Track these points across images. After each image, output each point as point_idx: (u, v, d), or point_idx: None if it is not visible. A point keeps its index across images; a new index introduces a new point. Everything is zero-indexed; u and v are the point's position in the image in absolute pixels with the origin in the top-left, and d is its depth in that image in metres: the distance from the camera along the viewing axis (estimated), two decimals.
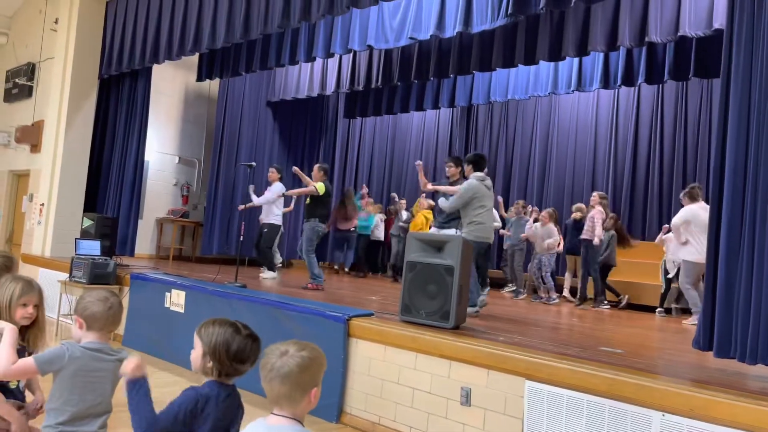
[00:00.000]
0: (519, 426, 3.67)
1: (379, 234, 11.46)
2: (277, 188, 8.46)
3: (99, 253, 7.28)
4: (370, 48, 8.14)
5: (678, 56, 7.75)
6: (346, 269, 11.83)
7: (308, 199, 7.50)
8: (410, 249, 4.77)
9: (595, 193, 8.59)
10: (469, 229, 5.55)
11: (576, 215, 8.74)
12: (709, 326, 3.59)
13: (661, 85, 9.89)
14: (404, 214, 10.99)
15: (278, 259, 9.17)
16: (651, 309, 8.21)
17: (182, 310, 6.16)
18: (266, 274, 8.40)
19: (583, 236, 8.13)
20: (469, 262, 4.80)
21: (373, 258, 12.00)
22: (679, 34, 6.61)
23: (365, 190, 11.76)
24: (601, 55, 8.26)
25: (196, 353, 1.99)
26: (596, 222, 8.03)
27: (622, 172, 10.65)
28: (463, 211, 5.63)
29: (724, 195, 3.60)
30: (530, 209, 9.76)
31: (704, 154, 9.76)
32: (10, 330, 2.22)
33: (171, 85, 10.98)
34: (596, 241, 7.96)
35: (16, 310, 2.42)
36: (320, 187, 7.35)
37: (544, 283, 8.80)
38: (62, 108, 9.03)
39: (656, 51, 7.93)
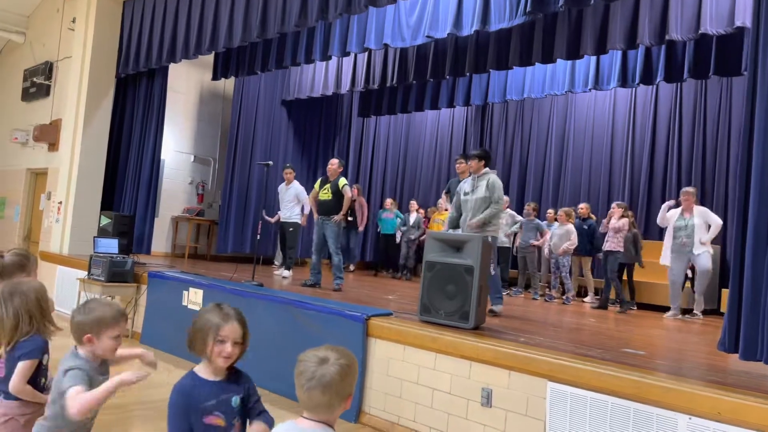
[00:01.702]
0: (541, 428, 3.64)
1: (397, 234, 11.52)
2: (301, 189, 8.60)
3: (117, 251, 7.33)
4: (386, 46, 8.12)
5: (698, 54, 7.65)
6: (351, 267, 11.76)
7: (329, 194, 7.15)
8: (429, 249, 4.74)
9: (615, 204, 8.33)
10: (490, 230, 5.52)
11: (582, 211, 8.91)
12: (735, 328, 3.53)
13: (679, 84, 9.78)
14: (412, 218, 11.01)
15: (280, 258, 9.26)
16: (663, 309, 8.18)
17: (200, 309, 6.18)
18: (285, 273, 8.46)
19: (607, 248, 8.01)
20: (488, 262, 4.77)
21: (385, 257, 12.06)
22: (700, 31, 6.52)
23: (389, 202, 11.70)
24: (619, 53, 8.18)
25: None
26: (620, 228, 7.97)
27: (639, 172, 10.54)
28: (482, 207, 5.59)
29: (751, 194, 3.54)
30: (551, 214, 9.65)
31: (723, 153, 9.63)
32: (117, 380, 2.13)
33: (186, 83, 11.03)
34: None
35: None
36: (345, 185, 7.20)
37: (562, 284, 8.75)
38: (80, 107, 9.10)
39: (676, 49, 7.83)
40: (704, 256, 7.19)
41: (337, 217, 7.06)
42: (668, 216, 7.61)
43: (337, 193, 7.16)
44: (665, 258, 7.60)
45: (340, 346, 1.79)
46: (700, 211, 7.33)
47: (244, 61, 9.51)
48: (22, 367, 2.35)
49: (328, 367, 1.65)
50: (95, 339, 2.23)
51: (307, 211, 8.82)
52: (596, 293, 8.84)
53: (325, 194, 7.22)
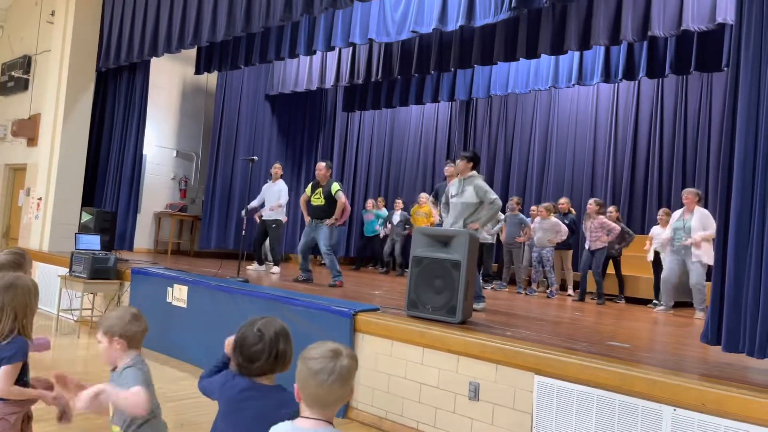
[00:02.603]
0: (528, 421, 3.68)
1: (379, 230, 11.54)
2: (284, 187, 8.59)
3: (99, 248, 7.23)
4: (371, 41, 8.10)
5: (679, 50, 7.76)
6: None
7: (321, 199, 7.24)
8: (417, 244, 4.75)
9: (593, 201, 8.34)
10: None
11: (562, 206, 9.01)
12: (718, 321, 3.59)
13: (661, 79, 9.89)
14: (397, 216, 11.02)
15: (269, 255, 9.22)
16: (645, 302, 8.31)
17: (185, 305, 6.13)
18: (275, 269, 8.45)
19: (595, 247, 8.08)
20: (475, 257, 4.79)
21: (369, 252, 12.10)
22: (682, 28, 6.60)
23: (370, 203, 11.72)
24: (603, 48, 8.24)
25: None
26: (612, 228, 8.05)
27: (622, 166, 10.66)
28: (467, 211, 5.58)
29: (733, 189, 3.60)
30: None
31: (704, 148, 9.78)
32: (111, 387, 2.16)
33: (168, 78, 10.90)
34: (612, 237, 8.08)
35: None
36: (338, 190, 7.23)
37: (545, 278, 8.83)
38: (59, 101, 8.95)
39: (658, 45, 7.92)
40: (696, 268, 6.82)
41: (329, 221, 7.14)
42: (672, 217, 7.56)
43: (330, 198, 7.20)
44: (652, 254, 7.65)
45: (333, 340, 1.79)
46: (700, 214, 6.99)
47: (228, 55, 9.43)
48: (7, 371, 2.30)
49: (343, 359, 1.66)
50: (121, 345, 2.23)
51: (282, 202, 8.68)
52: (575, 287, 8.94)
53: (317, 199, 7.28)
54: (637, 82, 10.12)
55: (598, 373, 3.40)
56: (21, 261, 2.92)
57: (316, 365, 1.63)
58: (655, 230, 8.26)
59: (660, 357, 4.07)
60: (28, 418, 2.43)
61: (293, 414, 1.83)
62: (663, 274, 7.42)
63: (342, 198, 7.23)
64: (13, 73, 10.42)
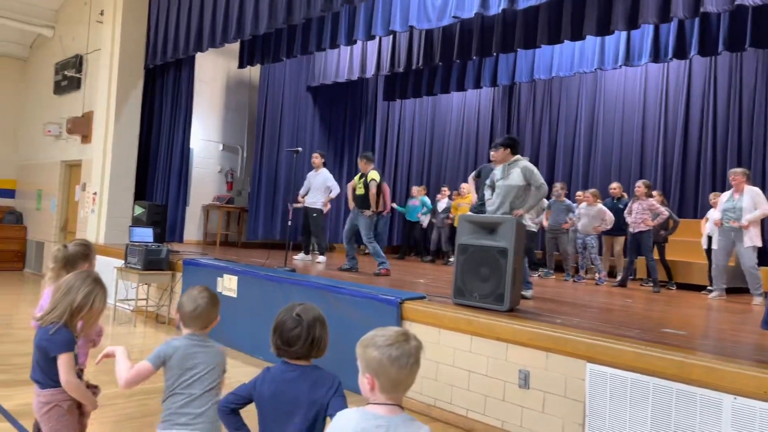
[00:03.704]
0: (580, 409, 3.63)
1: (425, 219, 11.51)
2: (329, 176, 8.70)
3: (152, 240, 7.46)
4: (412, 29, 8.04)
5: (733, 26, 7.43)
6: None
7: (361, 188, 7.44)
8: (462, 232, 4.72)
9: (641, 183, 8.11)
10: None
11: (615, 191, 8.79)
12: None
13: (714, 57, 9.51)
14: (443, 204, 10.96)
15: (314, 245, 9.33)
16: (700, 288, 8.06)
17: (235, 295, 6.28)
18: (320, 258, 8.56)
19: (638, 229, 7.85)
20: (522, 244, 4.73)
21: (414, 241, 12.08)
22: (736, 3, 6.29)
23: (415, 190, 11.72)
24: (651, 27, 7.97)
25: None
26: (660, 212, 7.84)
27: (673, 149, 10.31)
28: (512, 193, 5.51)
29: None
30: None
31: (760, 128, 9.36)
32: (122, 348, 2.38)
33: (213, 72, 11.10)
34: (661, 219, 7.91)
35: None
36: (371, 180, 7.40)
37: (592, 264, 8.66)
38: (110, 98, 9.23)
39: (710, 21, 7.61)
40: (747, 252, 6.67)
41: (367, 213, 7.34)
42: (720, 198, 7.34)
43: (368, 187, 7.40)
44: (706, 240, 7.43)
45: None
46: (751, 192, 6.80)
47: (270, 48, 9.53)
48: (66, 360, 2.38)
49: (412, 341, 1.67)
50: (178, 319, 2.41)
51: (333, 195, 8.82)
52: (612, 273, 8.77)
53: (360, 188, 7.53)
54: (688, 60, 9.74)
55: (654, 361, 3.32)
56: (88, 252, 3.03)
57: (394, 351, 1.62)
58: (711, 214, 8.00)
59: (717, 344, 3.95)
60: (79, 404, 2.52)
61: (330, 392, 1.94)
62: (713, 259, 7.20)
63: (372, 188, 7.38)
64: (66, 73, 10.78)
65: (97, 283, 2.50)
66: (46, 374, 2.42)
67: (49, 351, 2.37)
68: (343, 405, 1.93)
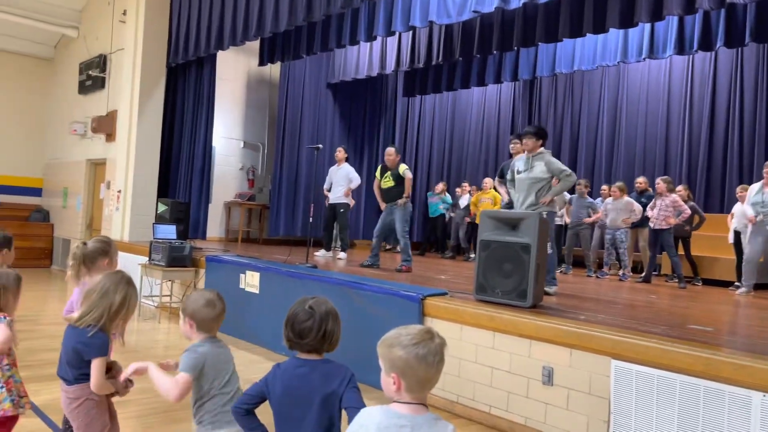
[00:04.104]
0: (605, 406, 3.59)
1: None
2: (351, 170, 8.74)
3: (175, 237, 7.55)
4: (431, 24, 8.00)
5: (760, 16, 7.28)
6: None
7: (391, 181, 7.42)
8: (484, 227, 4.69)
9: (661, 180, 7.99)
10: (547, 209, 5.41)
11: (640, 185, 8.72)
12: None
13: (740, 49, 9.32)
14: (465, 200, 10.91)
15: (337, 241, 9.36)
16: (727, 284, 7.92)
17: (257, 291, 6.33)
18: (341, 254, 8.58)
19: (659, 227, 7.75)
20: (545, 240, 4.69)
21: (433, 237, 12.06)
22: None
23: (438, 187, 11.69)
24: (676, 19, 7.84)
25: None
26: (684, 210, 7.74)
27: (698, 142, 10.15)
28: (535, 187, 5.47)
29: None
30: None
31: None
32: (153, 364, 2.37)
33: (233, 70, 11.18)
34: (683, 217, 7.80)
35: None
36: (406, 169, 7.42)
37: (620, 260, 8.57)
38: (134, 97, 9.35)
39: (736, 12, 7.46)
40: None
41: (401, 201, 7.31)
42: (749, 191, 7.23)
43: (399, 178, 7.38)
44: (733, 235, 7.28)
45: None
46: None
47: (290, 45, 9.56)
48: (99, 364, 2.41)
49: (437, 338, 1.66)
50: (192, 326, 2.39)
51: (354, 186, 8.83)
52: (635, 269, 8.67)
53: (387, 182, 7.48)
54: (714, 52, 9.56)
55: (680, 358, 3.27)
56: (107, 248, 3.04)
57: (420, 350, 1.60)
58: (737, 208, 7.86)
59: (745, 340, 3.88)
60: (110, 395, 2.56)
61: (343, 384, 1.92)
62: (746, 253, 7.07)
63: (409, 174, 7.41)
64: (90, 72, 10.94)
65: (130, 284, 2.53)
66: (74, 373, 2.45)
67: (84, 354, 2.41)
68: (358, 397, 1.93)
